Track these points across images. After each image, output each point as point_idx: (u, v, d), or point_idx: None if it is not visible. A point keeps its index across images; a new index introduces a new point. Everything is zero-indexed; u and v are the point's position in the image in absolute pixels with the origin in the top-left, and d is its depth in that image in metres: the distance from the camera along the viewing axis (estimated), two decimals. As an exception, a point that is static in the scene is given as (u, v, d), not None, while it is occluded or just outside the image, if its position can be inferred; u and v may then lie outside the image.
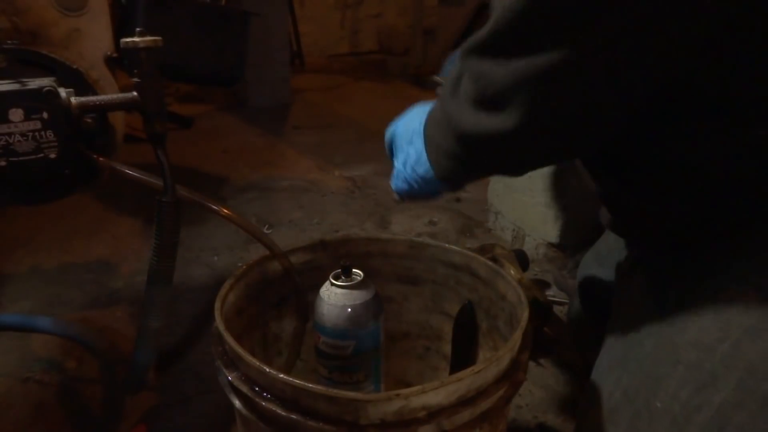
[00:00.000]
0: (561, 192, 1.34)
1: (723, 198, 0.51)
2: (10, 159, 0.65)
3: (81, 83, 0.83)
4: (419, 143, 0.65)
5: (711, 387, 0.48)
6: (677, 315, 0.54)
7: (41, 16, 0.92)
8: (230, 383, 0.54)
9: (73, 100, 0.67)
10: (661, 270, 0.59)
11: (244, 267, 0.70)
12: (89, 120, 0.69)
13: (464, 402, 0.50)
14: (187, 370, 1.04)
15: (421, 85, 3.89)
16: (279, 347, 0.78)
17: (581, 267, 0.89)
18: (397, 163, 0.71)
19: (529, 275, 1.32)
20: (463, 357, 0.76)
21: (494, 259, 1.13)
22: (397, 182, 0.71)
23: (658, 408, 0.52)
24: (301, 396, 0.49)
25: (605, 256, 0.81)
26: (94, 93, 0.84)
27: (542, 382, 1.01)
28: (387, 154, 0.76)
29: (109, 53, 1.08)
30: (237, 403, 0.54)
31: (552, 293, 1.30)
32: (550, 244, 1.41)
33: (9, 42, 0.84)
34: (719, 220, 0.52)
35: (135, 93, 0.67)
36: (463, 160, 0.58)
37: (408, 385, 0.70)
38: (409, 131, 0.68)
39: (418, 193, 0.69)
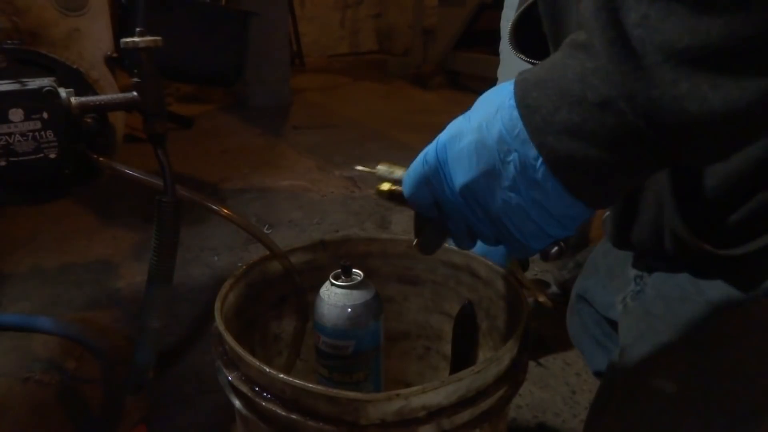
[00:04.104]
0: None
1: None
2: (10, 159, 0.65)
3: (81, 83, 0.83)
4: (528, 149, 0.38)
5: (751, 421, 0.47)
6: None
7: (41, 16, 0.92)
8: (230, 383, 0.54)
9: (73, 100, 0.67)
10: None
11: (244, 267, 0.70)
12: (89, 120, 0.69)
13: (464, 402, 0.50)
14: (187, 370, 1.04)
15: (422, 85, 3.89)
16: (279, 347, 0.78)
17: (581, 278, 0.87)
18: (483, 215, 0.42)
19: (529, 275, 1.32)
20: (463, 357, 0.76)
21: (494, 259, 1.13)
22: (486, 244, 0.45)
23: None
24: (301, 396, 0.49)
25: (608, 273, 0.77)
26: (94, 93, 0.84)
27: (542, 382, 1.01)
28: (421, 211, 0.48)
29: (109, 53, 1.08)
30: (237, 403, 0.54)
31: (552, 293, 1.30)
32: (550, 244, 1.41)
33: (9, 42, 0.84)
34: None
35: (135, 93, 0.67)
36: (652, 141, 0.33)
37: (408, 385, 0.70)
38: (490, 139, 0.39)
39: (526, 242, 0.42)
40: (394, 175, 0.50)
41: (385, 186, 0.51)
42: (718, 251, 0.50)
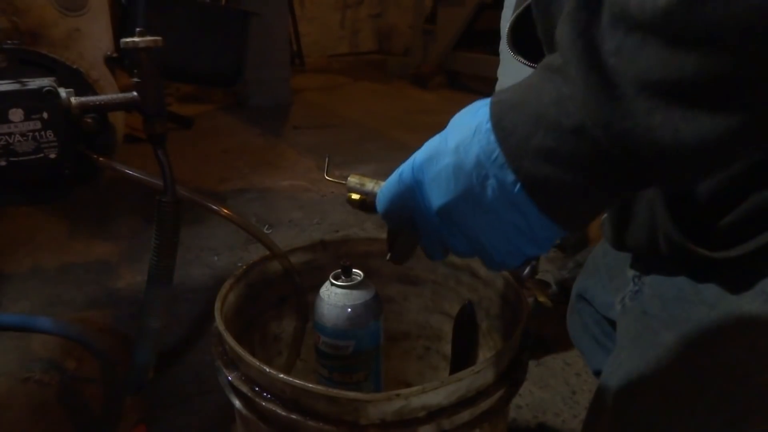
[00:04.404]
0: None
1: None
2: (10, 159, 0.65)
3: (81, 83, 0.83)
4: (506, 174, 0.38)
5: (744, 421, 0.47)
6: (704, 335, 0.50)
7: (41, 16, 0.92)
8: (230, 383, 0.54)
9: (73, 100, 0.67)
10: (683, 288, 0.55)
11: (244, 267, 0.70)
12: (89, 120, 0.69)
13: (464, 402, 0.50)
14: (187, 370, 1.04)
15: (421, 85, 3.89)
16: (279, 347, 0.78)
17: (580, 278, 0.87)
18: (461, 243, 0.43)
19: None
20: (463, 357, 0.76)
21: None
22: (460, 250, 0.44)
23: None
24: (301, 396, 0.49)
25: (606, 274, 0.78)
26: (94, 93, 0.84)
27: (542, 382, 1.01)
28: (395, 227, 0.49)
29: (109, 53, 1.08)
30: (237, 403, 0.54)
31: (552, 293, 1.30)
32: (550, 244, 1.41)
33: (9, 42, 0.84)
34: None
35: (135, 93, 0.67)
36: (624, 167, 0.34)
37: (408, 385, 0.70)
38: (469, 158, 0.39)
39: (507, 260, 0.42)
40: (364, 188, 0.53)
41: (356, 196, 0.53)
42: (713, 254, 0.50)
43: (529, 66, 0.64)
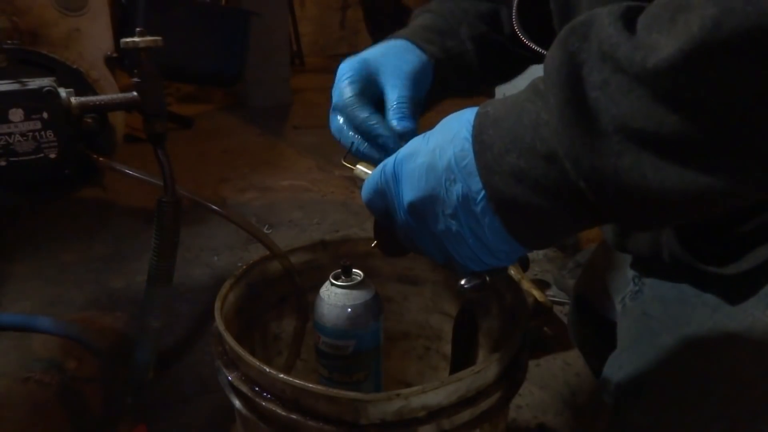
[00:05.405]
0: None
1: None
2: (10, 159, 0.66)
3: (81, 83, 0.83)
4: (472, 182, 0.38)
5: (750, 427, 0.47)
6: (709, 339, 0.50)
7: (41, 16, 0.92)
8: (230, 383, 0.54)
9: (73, 100, 0.67)
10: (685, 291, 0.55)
11: (244, 267, 0.70)
12: (89, 120, 0.69)
13: (464, 402, 0.50)
14: (187, 370, 1.04)
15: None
16: (279, 347, 0.78)
17: (580, 278, 0.86)
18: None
19: (529, 275, 1.32)
20: (463, 357, 0.76)
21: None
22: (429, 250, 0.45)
23: None
24: (301, 396, 0.49)
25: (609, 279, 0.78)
26: (94, 93, 0.84)
27: (542, 382, 1.01)
28: (377, 216, 0.49)
29: (109, 53, 1.08)
30: (237, 403, 0.54)
31: (552, 293, 1.30)
32: (550, 244, 1.41)
33: (9, 42, 0.84)
34: None
35: (135, 93, 0.67)
36: (595, 204, 0.35)
37: (408, 385, 0.70)
38: (445, 158, 0.40)
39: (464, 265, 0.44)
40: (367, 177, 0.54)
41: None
42: (723, 271, 0.50)
43: (543, 53, 0.60)
